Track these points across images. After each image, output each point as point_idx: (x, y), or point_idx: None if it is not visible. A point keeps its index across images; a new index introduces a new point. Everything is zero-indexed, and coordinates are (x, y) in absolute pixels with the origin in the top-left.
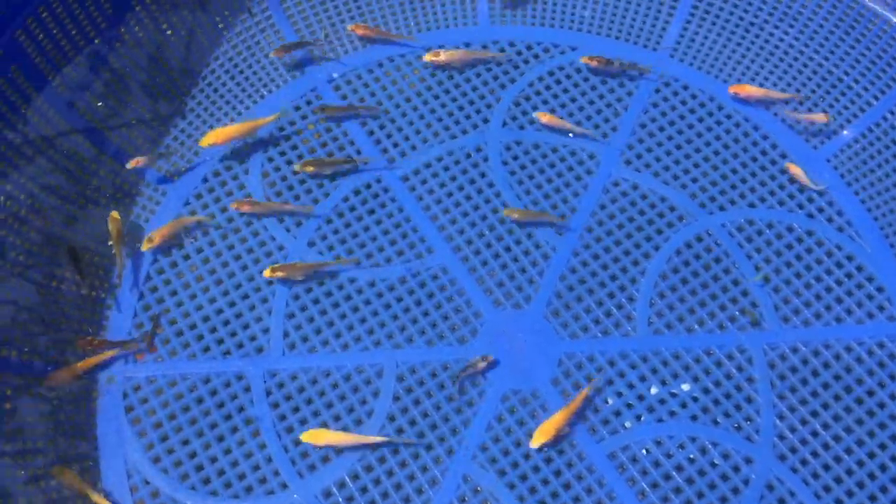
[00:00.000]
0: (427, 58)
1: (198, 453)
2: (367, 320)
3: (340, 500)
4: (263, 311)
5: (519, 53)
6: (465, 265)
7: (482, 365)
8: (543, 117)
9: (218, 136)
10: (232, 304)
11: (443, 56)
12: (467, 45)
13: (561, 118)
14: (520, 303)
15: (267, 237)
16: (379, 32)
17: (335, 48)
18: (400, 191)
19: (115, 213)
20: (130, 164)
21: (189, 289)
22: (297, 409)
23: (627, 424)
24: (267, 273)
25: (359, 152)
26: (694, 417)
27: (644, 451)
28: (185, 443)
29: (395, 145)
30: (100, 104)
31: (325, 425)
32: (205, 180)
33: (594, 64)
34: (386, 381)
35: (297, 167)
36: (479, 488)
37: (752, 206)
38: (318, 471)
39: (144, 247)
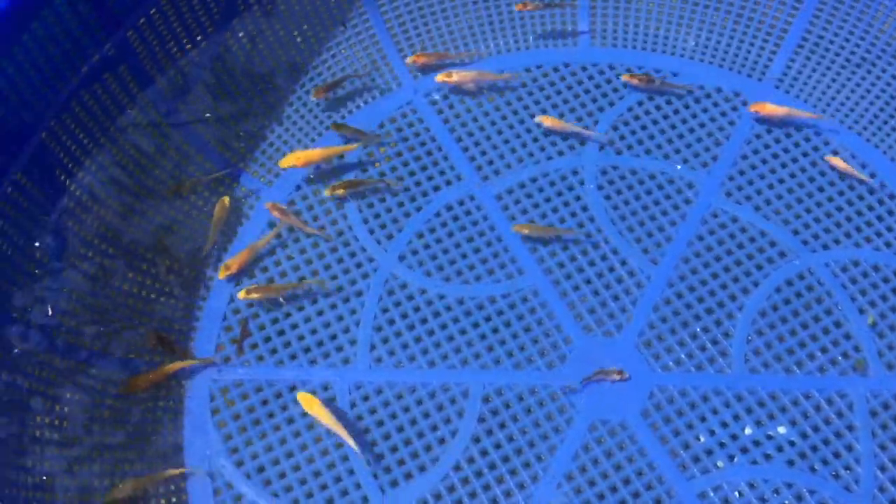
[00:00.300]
0: (439, 78)
1: (280, 460)
2: (454, 338)
3: None
4: (351, 322)
5: (619, 77)
6: (555, 288)
7: (616, 377)
8: (546, 121)
9: (298, 158)
10: (320, 313)
11: (455, 77)
12: (561, 67)
13: (568, 122)
14: (611, 330)
15: (357, 248)
16: (439, 56)
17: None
18: (493, 209)
19: (225, 199)
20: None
21: None
22: (381, 423)
23: (720, 464)
24: (241, 295)
25: (452, 168)
26: (790, 462)
27: (737, 494)
28: (269, 449)
29: (490, 163)
30: (188, 109)
31: (408, 442)
32: (291, 202)
33: (635, 82)
34: (472, 402)
35: (326, 191)
36: None
37: (857, 245)
38: (400, 487)
39: (221, 275)
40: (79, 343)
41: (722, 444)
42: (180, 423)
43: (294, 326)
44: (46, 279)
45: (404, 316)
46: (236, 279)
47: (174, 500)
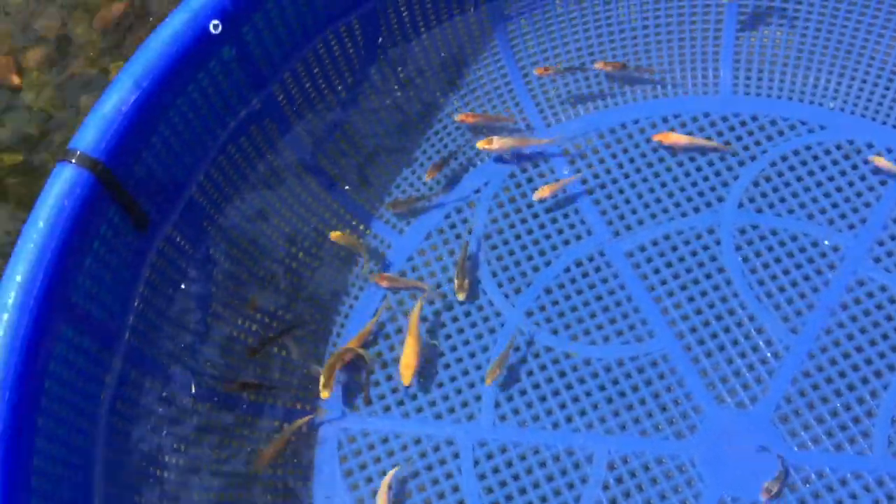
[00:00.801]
0: (480, 145)
1: None
2: (580, 400)
3: None
4: (476, 378)
5: (762, 129)
6: (687, 354)
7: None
8: (543, 192)
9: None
10: (447, 367)
11: (495, 144)
12: (700, 117)
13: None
14: (745, 402)
15: (485, 301)
16: (486, 118)
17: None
18: (623, 267)
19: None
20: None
21: None
22: (504, 484)
23: None
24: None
25: (583, 222)
26: None
27: None
28: (395, 503)
29: (622, 217)
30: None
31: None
32: (421, 251)
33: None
34: (596, 468)
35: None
36: None
37: None
38: None
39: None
40: None
41: None
42: (310, 470)
43: (422, 378)
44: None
45: (529, 374)
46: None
47: None
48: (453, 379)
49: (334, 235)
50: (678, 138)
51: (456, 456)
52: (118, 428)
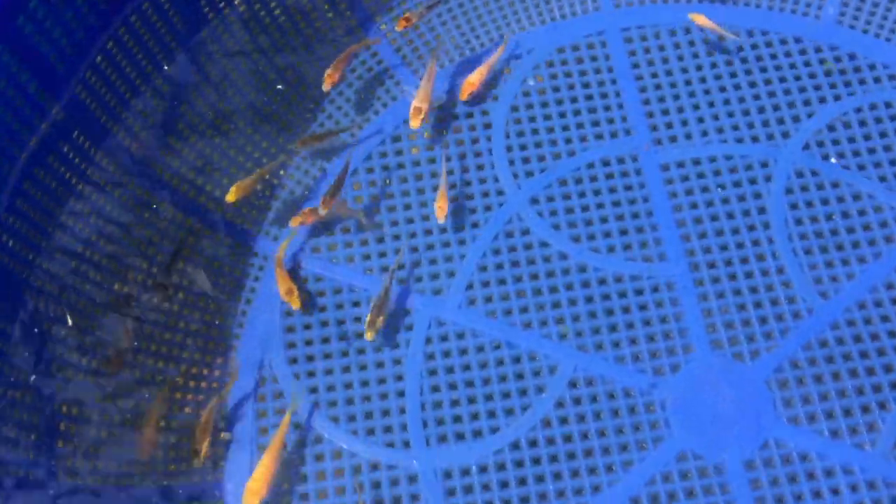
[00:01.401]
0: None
1: (337, 375)
2: (561, 306)
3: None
4: (456, 254)
5: (857, 70)
6: (695, 288)
7: None
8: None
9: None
10: (427, 233)
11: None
12: (790, 40)
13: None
14: (743, 354)
15: (489, 175)
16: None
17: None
18: (653, 179)
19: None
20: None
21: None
22: (450, 370)
23: None
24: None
25: (624, 119)
26: None
27: None
28: (328, 357)
29: (669, 126)
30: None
31: (472, 400)
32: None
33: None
34: (556, 381)
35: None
36: None
37: None
38: (448, 446)
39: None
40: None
41: None
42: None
43: (395, 238)
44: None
45: (514, 264)
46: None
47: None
48: (430, 247)
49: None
50: (705, 22)
51: (409, 328)
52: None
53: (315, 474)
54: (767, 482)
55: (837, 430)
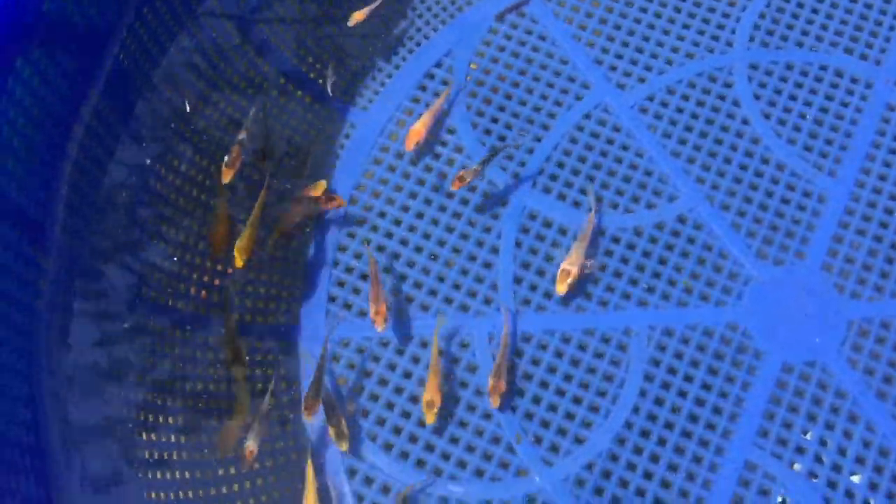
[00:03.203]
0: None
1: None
2: (599, 279)
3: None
4: (489, 260)
5: None
6: (720, 214)
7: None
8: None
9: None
10: (456, 251)
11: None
12: None
13: None
14: (785, 260)
15: (487, 186)
16: None
17: None
18: (633, 122)
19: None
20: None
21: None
22: (543, 365)
23: None
24: None
25: (571, 80)
26: None
27: None
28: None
29: (626, 73)
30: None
31: (560, 392)
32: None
33: None
34: (637, 342)
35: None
36: (767, 473)
37: None
38: (572, 455)
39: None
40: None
41: None
42: None
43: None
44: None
45: (548, 259)
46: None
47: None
48: (465, 273)
49: None
50: None
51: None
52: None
53: None
54: (867, 357)
55: None
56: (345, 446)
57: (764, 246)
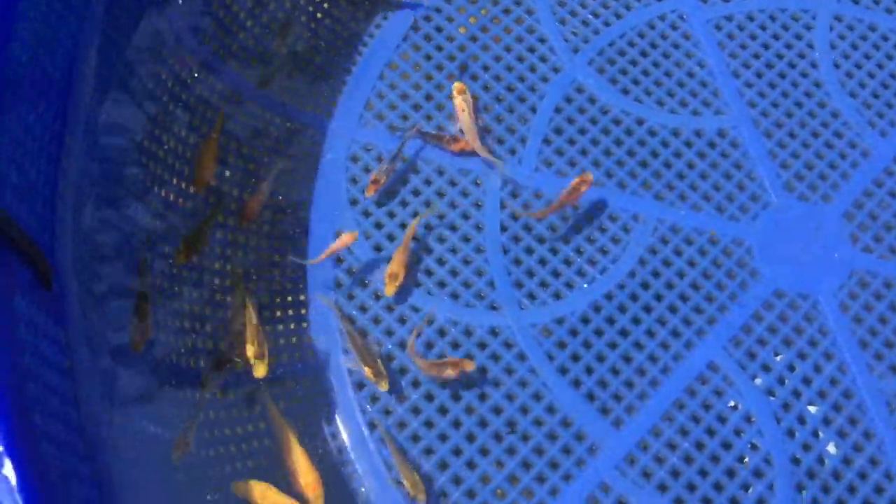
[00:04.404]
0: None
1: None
2: (627, 162)
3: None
4: (517, 121)
5: None
6: (760, 139)
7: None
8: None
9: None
10: (492, 105)
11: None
12: None
13: None
14: (810, 197)
15: (546, 48)
16: None
17: None
18: (705, 35)
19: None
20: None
21: None
22: (529, 229)
23: None
24: None
25: None
26: None
27: None
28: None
29: None
30: None
31: (554, 251)
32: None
33: None
34: (641, 227)
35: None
36: (727, 378)
37: None
38: (546, 306)
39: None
40: None
41: None
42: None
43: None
44: None
45: (582, 132)
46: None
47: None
48: (499, 120)
49: None
50: None
51: (479, 199)
52: None
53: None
54: (860, 307)
55: None
56: (384, 385)
57: (794, 179)
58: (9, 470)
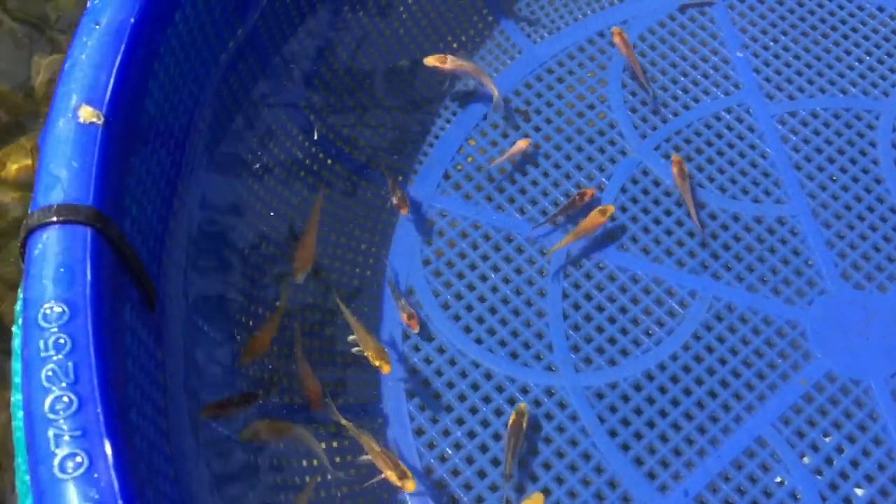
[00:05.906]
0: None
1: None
2: (686, 243)
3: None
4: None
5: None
6: (819, 228)
7: None
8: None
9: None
10: (567, 175)
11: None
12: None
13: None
14: (865, 286)
15: (616, 134)
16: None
17: None
18: (769, 130)
19: None
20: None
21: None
22: (589, 297)
23: None
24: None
25: (727, 77)
26: None
27: None
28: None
29: (780, 87)
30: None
31: (612, 319)
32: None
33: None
34: (697, 304)
35: None
36: (775, 454)
37: None
38: (601, 371)
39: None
40: None
41: None
42: None
43: (532, 182)
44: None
45: (645, 211)
46: None
47: None
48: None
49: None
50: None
51: (544, 267)
52: None
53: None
54: None
55: None
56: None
57: (851, 269)
58: (108, 448)
